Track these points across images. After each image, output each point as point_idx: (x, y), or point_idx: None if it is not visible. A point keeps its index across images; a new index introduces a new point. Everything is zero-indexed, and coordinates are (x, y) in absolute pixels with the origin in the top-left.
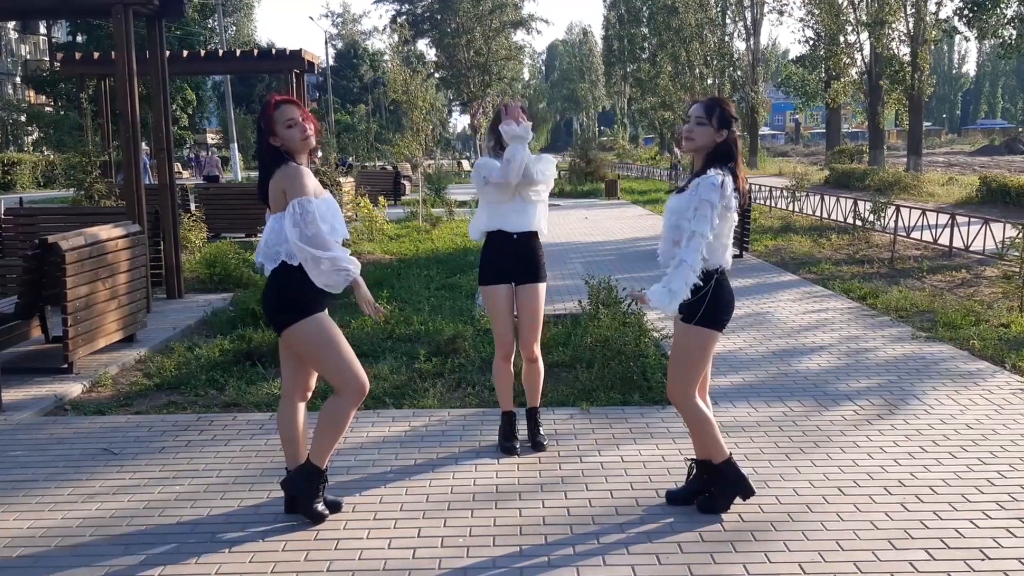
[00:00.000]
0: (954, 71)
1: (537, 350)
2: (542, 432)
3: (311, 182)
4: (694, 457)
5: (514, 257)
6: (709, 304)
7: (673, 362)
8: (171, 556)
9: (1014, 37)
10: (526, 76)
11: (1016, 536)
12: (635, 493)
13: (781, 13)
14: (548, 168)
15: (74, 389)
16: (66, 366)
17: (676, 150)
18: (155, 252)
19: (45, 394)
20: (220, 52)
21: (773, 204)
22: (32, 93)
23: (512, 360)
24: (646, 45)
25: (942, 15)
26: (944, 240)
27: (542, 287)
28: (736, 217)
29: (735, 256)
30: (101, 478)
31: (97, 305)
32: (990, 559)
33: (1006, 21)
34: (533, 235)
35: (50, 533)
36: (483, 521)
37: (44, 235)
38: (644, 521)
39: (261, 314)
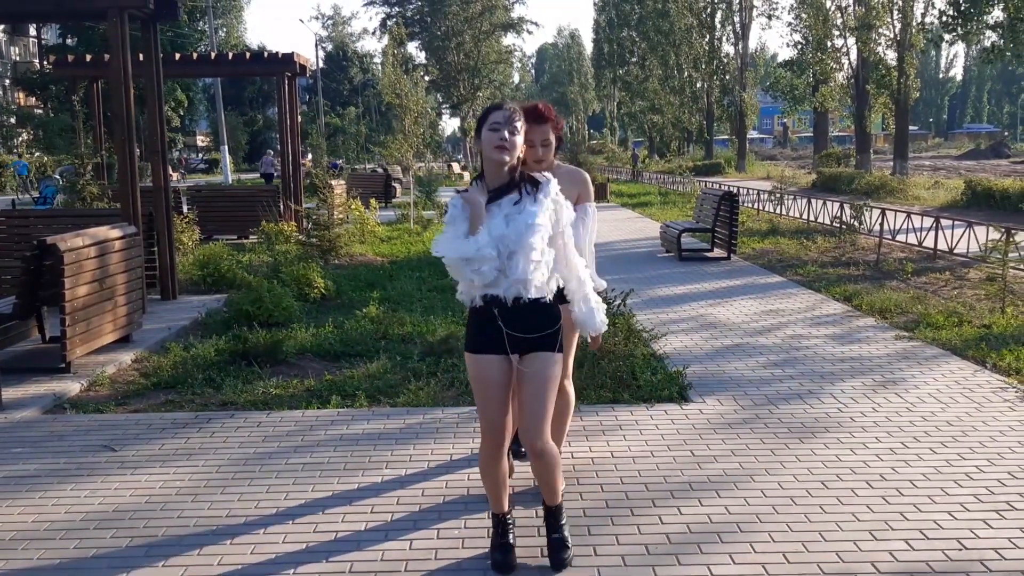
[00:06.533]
0: (941, 75)
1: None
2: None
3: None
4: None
5: None
6: None
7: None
8: (174, 549)
9: (1000, 44)
10: (516, 79)
11: (993, 527)
12: (624, 487)
13: (770, 17)
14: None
15: (72, 388)
16: (64, 366)
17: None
18: (149, 254)
19: (44, 393)
20: (212, 55)
21: (760, 207)
22: (22, 95)
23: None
24: (635, 49)
25: (928, 21)
26: (929, 243)
27: None
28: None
29: (723, 258)
30: (102, 474)
31: (94, 305)
32: (967, 549)
33: (988, 28)
34: None
35: (54, 527)
36: (478, 513)
37: (38, 237)
38: (633, 514)
39: (255, 315)
